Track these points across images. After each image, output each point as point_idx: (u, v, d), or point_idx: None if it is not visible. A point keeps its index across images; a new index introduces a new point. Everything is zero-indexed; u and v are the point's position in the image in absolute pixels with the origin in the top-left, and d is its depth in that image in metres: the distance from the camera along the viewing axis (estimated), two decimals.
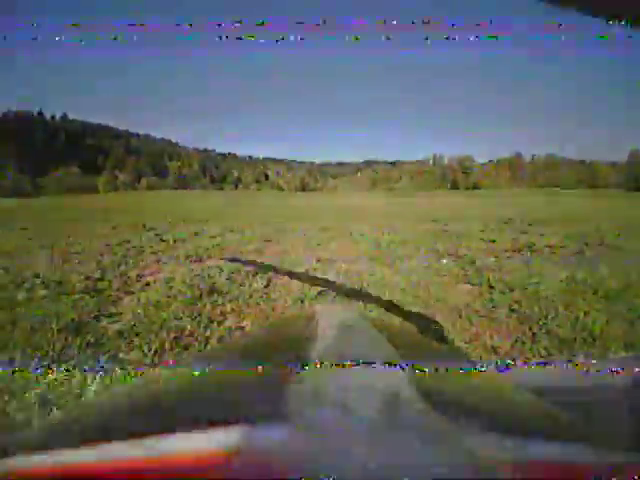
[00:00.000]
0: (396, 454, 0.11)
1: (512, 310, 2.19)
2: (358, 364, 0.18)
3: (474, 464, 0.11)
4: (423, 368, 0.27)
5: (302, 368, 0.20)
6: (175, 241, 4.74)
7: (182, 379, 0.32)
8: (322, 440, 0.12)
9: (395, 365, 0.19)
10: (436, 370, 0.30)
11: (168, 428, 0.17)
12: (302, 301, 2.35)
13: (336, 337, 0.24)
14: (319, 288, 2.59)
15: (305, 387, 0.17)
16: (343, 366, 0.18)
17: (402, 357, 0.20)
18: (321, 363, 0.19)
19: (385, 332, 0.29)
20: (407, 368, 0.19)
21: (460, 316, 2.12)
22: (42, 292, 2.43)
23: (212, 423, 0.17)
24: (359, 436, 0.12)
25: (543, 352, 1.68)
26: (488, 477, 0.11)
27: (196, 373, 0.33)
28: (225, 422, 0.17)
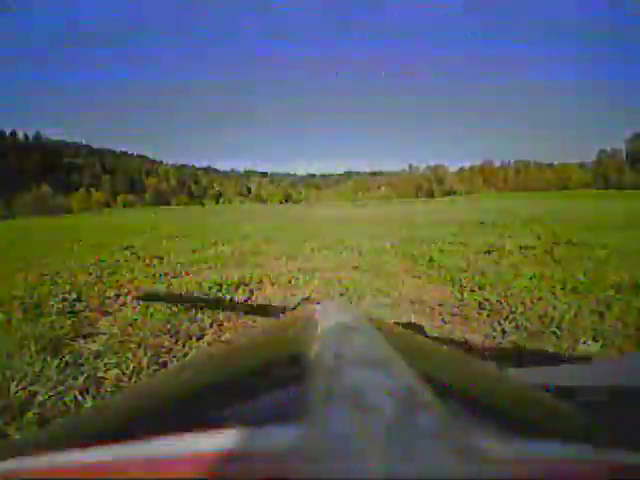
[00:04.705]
0: (411, 454, 0.11)
1: (482, 307, 2.29)
2: (360, 364, 0.18)
3: (487, 464, 0.11)
4: (427, 368, 0.28)
5: (303, 368, 0.20)
6: (152, 258, 4.65)
7: (183, 379, 0.33)
8: (333, 440, 0.12)
9: (398, 365, 0.18)
10: (439, 369, 0.31)
11: (169, 429, 0.17)
12: (283, 310, 2.39)
13: (336, 337, 0.24)
14: (300, 296, 2.63)
15: (310, 386, 0.17)
16: (345, 366, 0.18)
17: (403, 357, 0.20)
18: (322, 363, 0.19)
19: (385, 332, 0.28)
20: (411, 368, 0.18)
21: (434, 314, 2.21)
22: (20, 314, 2.38)
23: (214, 424, 0.17)
24: (372, 436, 0.12)
25: (512, 346, 1.75)
26: (497, 477, 0.11)
27: (197, 373, 0.33)
28: (227, 423, 0.17)
